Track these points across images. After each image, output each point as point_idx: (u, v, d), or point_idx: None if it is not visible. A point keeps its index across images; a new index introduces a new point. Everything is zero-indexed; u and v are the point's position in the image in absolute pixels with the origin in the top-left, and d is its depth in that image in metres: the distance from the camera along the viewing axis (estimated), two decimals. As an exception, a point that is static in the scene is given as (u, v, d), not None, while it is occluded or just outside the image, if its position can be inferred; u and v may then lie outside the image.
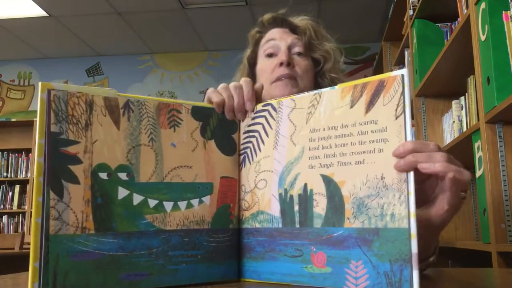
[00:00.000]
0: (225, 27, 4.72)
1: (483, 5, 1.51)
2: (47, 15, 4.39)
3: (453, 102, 2.05)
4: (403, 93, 0.55)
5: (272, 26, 1.11)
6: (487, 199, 1.48)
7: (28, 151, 4.99)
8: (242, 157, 0.70)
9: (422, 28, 2.33)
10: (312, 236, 0.60)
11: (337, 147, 0.59)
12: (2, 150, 5.08)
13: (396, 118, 0.54)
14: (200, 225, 0.64)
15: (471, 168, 2.14)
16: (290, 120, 0.66)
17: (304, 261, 0.60)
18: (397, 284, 0.51)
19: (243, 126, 0.72)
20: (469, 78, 1.82)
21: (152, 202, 0.60)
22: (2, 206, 4.97)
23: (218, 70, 5.25)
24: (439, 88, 2.25)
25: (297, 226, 0.61)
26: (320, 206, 0.60)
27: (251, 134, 0.70)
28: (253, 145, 0.69)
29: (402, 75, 0.55)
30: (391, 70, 3.22)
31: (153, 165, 0.61)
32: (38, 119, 0.56)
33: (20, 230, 4.86)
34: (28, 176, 4.95)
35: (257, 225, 0.66)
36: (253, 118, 0.71)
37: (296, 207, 0.62)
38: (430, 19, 2.33)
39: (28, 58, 5.43)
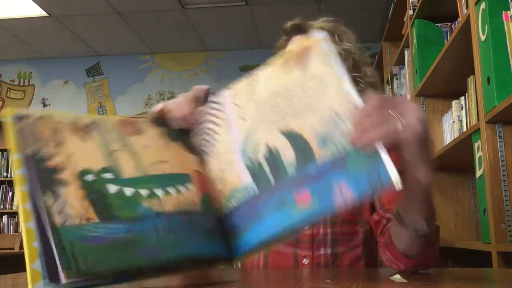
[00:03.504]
0: (225, 27, 4.72)
1: (483, 5, 1.51)
2: (47, 15, 4.39)
3: (453, 102, 2.05)
4: (328, 49, 0.66)
5: (294, 33, 1.13)
6: (487, 199, 1.48)
7: (28, 151, 5.00)
8: (203, 154, 0.75)
9: (422, 28, 2.33)
10: (290, 183, 0.64)
11: (286, 107, 0.67)
12: (2, 150, 5.08)
13: (329, 67, 0.65)
14: (193, 207, 0.67)
15: (471, 168, 2.14)
16: (234, 104, 0.73)
17: (290, 206, 0.63)
18: (378, 181, 0.57)
19: (195, 128, 0.77)
20: (469, 78, 1.82)
21: (144, 192, 0.63)
22: (2, 206, 4.97)
23: (218, 70, 5.25)
24: (439, 88, 2.25)
25: (273, 184, 0.65)
26: (288, 157, 0.65)
27: (204, 131, 0.76)
28: (208, 140, 0.75)
29: (322, 35, 0.67)
30: (391, 70, 3.22)
31: (133, 164, 0.65)
32: (10, 142, 0.60)
33: (20, 230, 4.86)
34: (28, 176, 4.96)
35: (235, 204, 0.69)
36: (200, 118, 0.77)
37: (267, 169, 0.66)
38: (430, 19, 2.33)
39: (28, 58, 5.43)
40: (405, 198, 0.74)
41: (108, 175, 0.61)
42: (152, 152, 0.68)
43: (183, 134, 0.75)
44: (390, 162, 0.57)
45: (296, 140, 0.64)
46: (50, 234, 0.53)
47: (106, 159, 0.63)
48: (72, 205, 0.56)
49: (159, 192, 0.64)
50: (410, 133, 0.60)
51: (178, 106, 0.77)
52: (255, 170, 0.67)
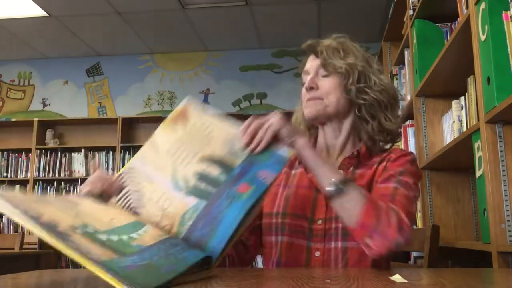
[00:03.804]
0: (225, 27, 4.72)
1: (483, 5, 1.51)
2: (47, 15, 4.39)
3: (453, 102, 2.05)
4: (195, 106, 0.98)
5: (308, 54, 1.26)
6: (487, 199, 1.48)
7: (28, 151, 5.00)
8: (133, 210, 0.90)
9: (422, 28, 2.33)
10: (227, 185, 0.85)
11: (192, 147, 0.91)
12: (2, 150, 5.09)
13: (205, 115, 0.97)
14: (163, 237, 0.79)
15: (471, 168, 2.14)
16: (145, 164, 0.94)
17: (237, 197, 0.83)
18: (281, 158, 0.92)
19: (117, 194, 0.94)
20: (469, 78, 1.82)
21: (124, 237, 0.75)
22: (2, 206, 4.97)
23: (218, 70, 5.25)
24: (439, 88, 2.25)
25: (215, 192, 0.85)
26: (214, 171, 0.88)
27: (127, 194, 0.92)
28: (134, 199, 0.90)
29: (188, 100, 1.00)
30: (391, 70, 3.23)
31: (97, 221, 0.78)
32: None
33: (20, 230, 4.85)
34: (28, 176, 4.96)
35: (191, 222, 0.83)
36: (117, 187, 0.94)
37: (204, 186, 0.86)
38: (430, 19, 2.33)
39: (28, 58, 5.43)
40: (313, 171, 1.01)
41: (90, 229, 0.73)
42: (100, 214, 0.83)
43: (109, 197, 0.93)
44: (280, 145, 0.94)
45: (213, 160, 0.88)
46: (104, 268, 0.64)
47: (78, 218, 0.75)
48: (90, 247, 0.67)
49: (133, 235, 0.76)
50: (275, 126, 0.96)
51: (94, 184, 0.95)
52: (195, 192, 0.85)
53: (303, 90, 1.20)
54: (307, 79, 1.19)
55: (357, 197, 0.97)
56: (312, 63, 1.21)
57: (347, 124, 1.19)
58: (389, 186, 1.07)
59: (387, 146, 1.22)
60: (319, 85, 1.17)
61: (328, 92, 1.16)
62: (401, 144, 2.79)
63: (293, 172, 1.22)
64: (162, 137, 0.95)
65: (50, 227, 0.68)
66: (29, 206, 0.72)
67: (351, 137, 1.19)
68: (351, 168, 1.16)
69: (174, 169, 0.89)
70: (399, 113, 1.26)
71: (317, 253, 1.08)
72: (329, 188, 0.97)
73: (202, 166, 0.87)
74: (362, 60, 1.18)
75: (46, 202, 0.78)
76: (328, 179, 0.98)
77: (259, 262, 1.82)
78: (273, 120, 0.97)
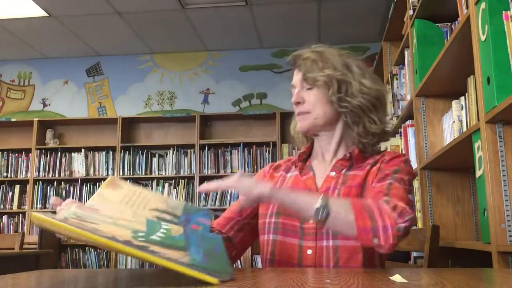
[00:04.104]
0: (225, 27, 4.72)
1: (483, 5, 1.51)
2: (47, 15, 4.39)
3: (453, 102, 2.04)
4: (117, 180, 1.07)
5: (293, 68, 1.29)
6: (487, 199, 1.48)
7: (28, 151, 4.99)
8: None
9: (422, 28, 2.32)
10: (183, 223, 0.94)
11: (138, 203, 0.99)
12: (2, 150, 5.08)
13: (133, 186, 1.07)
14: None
15: (471, 168, 2.14)
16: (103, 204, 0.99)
17: (194, 231, 0.91)
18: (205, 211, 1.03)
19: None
20: (469, 78, 1.82)
21: (163, 232, 0.84)
22: (2, 206, 4.97)
23: (218, 70, 5.25)
24: (439, 88, 2.25)
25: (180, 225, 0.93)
26: (167, 217, 0.96)
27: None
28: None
29: (111, 176, 1.17)
30: (391, 70, 3.22)
31: (136, 225, 0.85)
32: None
33: (20, 230, 4.85)
34: (28, 176, 4.96)
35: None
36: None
37: (166, 224, 0.90)
38: (430, 19, 2.33)
39: (28, 58, 5.43)
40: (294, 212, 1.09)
41: (141, 234, 0.79)
42: (124, 215, 0.89)
43: None
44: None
45: (160, 211, 0.96)
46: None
47: (125, 228, 0.81)
48: (165, 252, 0.74)
49: (164, 230, 0.84)
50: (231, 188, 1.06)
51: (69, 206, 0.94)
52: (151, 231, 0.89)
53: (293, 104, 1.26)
54: (294, 93, 1.24)
55: (344, 208, 1.01)
56: (296, 77, 1.26)
57: (337, 131, 1.23)
58: (384, 183, 1.11)
59: (382, 147, 1.27)
60: (305, 99, 1.22)
61: (314, 105, 1.21)
62: (401, 144, 2.79)
63: (288, 175, 1.28)
64: (108, 192, 1.01)
65: (127, 242, 0.72)
66: (85, 227, 0.74)
67: (343, 141, 1.24)
68: (344, 169, 1.20)
69: (133, 211, 0.97)
70: (391, 110, 1.29)
71: (309, 251, 1.12)
72: (317, 216, 1.00)
73: (155, 213, 0.97)
74: (342, 67, 1.20)
75: (86, 218, 0.80)
76: (310, 209, 1.00)
77: (259, 262, 1.82)
78: (229, 183, 1.04)
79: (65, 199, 0.98)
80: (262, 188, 1.03)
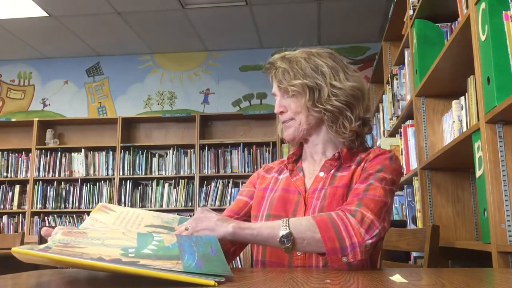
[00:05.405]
0: (225, 27, 4.72)
1: (483, 5, 1.51)
2: (47, 15, 4.39)
3: (453, 102, 2.04)
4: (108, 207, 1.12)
5: (268, 76, 1.34)
6: (487, 199, 1.48)
7: (28, 151, 4.99)
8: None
9: (422, 28, 2.32)
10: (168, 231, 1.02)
11: (132, 222, 1.05)
12: (2, 150, 5.08)
13: (124, 208, 1.14)
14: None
15: (471, 168, 2.14)
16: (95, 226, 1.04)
17: (195, 239, 0.92)
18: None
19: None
20: (469, 78, 1.82)
21: (155, 244, 0.86)
22: (2, 206, 4.97)
23: (218, 70, 5.25)
24: (439, 88, 2.25)
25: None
26: (164, 231, 1.03)
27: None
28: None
29: (101, 203, 1.14)
30: (391, 70, 3.22)
31: (126, 242, 0.87)
32: None
33: (20, 230, 4.85)
34: (28, 176, 4.96)
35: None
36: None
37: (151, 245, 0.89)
38: (430, 19, 2.33)
39: (28, 58, 5.43)
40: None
41: (132, 250, 0.79)
42: (113, 234, 0.90)
43: None
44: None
45: (155, 226, 1.00)
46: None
47: (112, 247, 0.81)
48: (157, 263, 0.75)
49: (157, 242, 0.85)
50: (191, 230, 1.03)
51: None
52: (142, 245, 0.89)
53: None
54: (276, 102, 1.28)
55: (309, 229, 1.02)
56: (275, 85, 1.30)
57: (322, 133, 1.25)
58: (363, 185, 1.12)
59: (382, 144, 1.28)
60: (287, 107, 1.25)
61: (296, 111, 1.23)
62: (401, 144, 2.78)
63: (281, 177, 1.30)
64: (100, 216, 1.03)
65: (115, 260, 0.73)
66: (71, 252, 0.74)
67: (329, 142, 1.26)
68: (333, 170, 1.21)
69: (127, 229, 0.97)
70: (368, 106, 1.28)
71: (299, 252, 1.13)
72: (283, 245, 1.01)
73: (150, 229, 0.98)
74: (311, 72, 1.20)
75: (72, 243, 0.80)
76: (275, 240, 1.02)
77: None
78: (190, 228, 1.04)
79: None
80: (224, 228, 1.03)
